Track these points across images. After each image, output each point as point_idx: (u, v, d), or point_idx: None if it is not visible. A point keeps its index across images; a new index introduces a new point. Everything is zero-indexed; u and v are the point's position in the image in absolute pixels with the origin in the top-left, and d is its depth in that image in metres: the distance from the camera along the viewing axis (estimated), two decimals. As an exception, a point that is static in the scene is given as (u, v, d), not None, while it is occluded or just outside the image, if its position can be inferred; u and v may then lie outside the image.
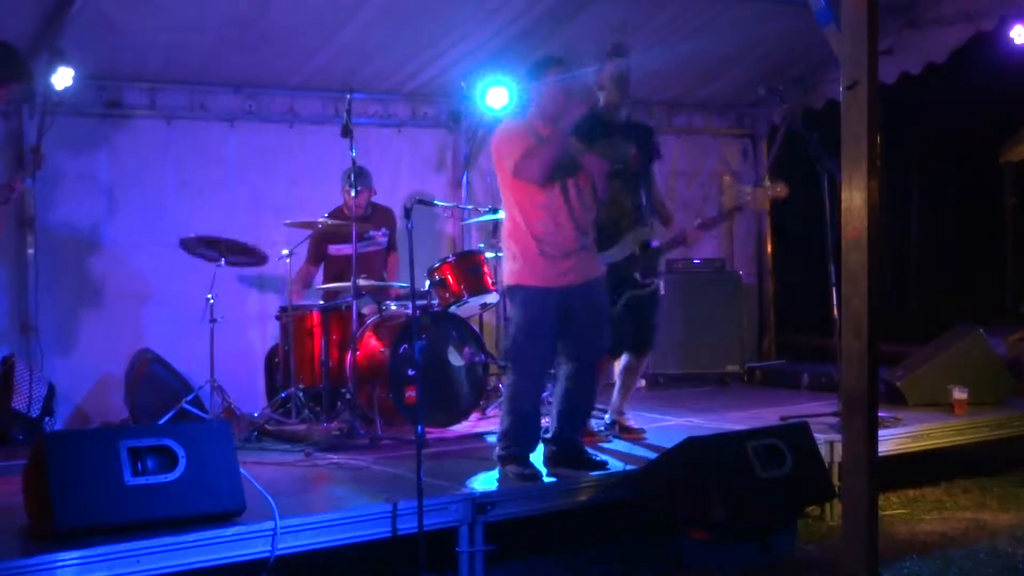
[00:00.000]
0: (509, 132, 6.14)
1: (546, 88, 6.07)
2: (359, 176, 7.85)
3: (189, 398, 7.40)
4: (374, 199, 8.24)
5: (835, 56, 5.43)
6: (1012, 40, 8.90)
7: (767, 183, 7.13)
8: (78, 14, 7.12)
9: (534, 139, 6.01)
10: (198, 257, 7.69)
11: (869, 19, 5.09)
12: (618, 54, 6.92)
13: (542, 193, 5.98)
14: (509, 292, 6.16)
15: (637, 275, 6.84)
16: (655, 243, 6.96)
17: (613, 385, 7.27)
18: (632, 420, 7.24)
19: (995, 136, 11.21)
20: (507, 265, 6.16)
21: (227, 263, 7.60)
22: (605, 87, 6.88)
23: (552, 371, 6.36)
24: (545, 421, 6.39)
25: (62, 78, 7.30)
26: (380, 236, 8.18)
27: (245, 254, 7.70)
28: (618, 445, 6.88)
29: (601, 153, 6.37)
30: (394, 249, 8.41)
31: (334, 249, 8.09)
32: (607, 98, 6.87)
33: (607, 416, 7.24)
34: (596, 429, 7.07)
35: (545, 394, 6.59)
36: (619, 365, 7.17)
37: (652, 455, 6.24)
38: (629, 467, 6.18)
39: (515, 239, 6.08)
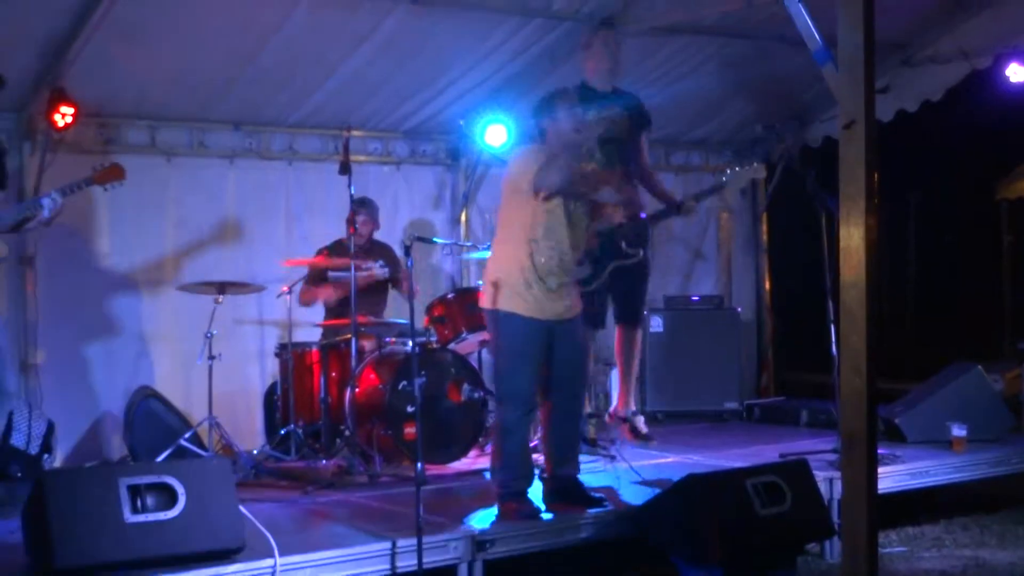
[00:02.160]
0: (525, 153, 6.16)
1: (562, 118, 6.09)
2: (366, 204, 7.94)
3: (187, 435, 7.38)
4: (374, 235, 8.27)
5: (832, 94, 5.47)
6: (1007, 78, 8.95)
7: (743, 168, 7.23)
8: (79, 53, 7.17)
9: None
10: (195, 293, 7.71)
11: (866, 59, 5.13)
12: (603, 27, 7.04)
13: (547, 215, 5.98)
14: (492, 318, 6.10)
15: (623, 244, 6.84)
16: (642, 214, 6.98)
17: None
18: (643, 423, 7.24)
19: (991, 173, 11.26)
20: (492, 286, 6.08)
21: (225, 296, 7.59)
22: (592, 61, 6.98)
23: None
24: (539, 458, 6.40)
25: (63, 116, 7.34)
26: (378, 268, 8.18)
27: (241, 287, 7.73)
28: (616, 481, 6.88)
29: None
30: (404, 278, 8.30)
31: (334, 276, 8.08)
32: (595, 72, 6.96)
33: (621, 411, 7.25)
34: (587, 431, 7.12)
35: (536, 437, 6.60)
36: (616, 345, 7.19)
37: (652, 492, 6.23)
38: (629, 504, 6.19)
39: (505, 265, 6.05)
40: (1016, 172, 11.28)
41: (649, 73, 9.01)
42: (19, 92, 7.54)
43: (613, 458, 7.48)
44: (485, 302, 6.16)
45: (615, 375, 7.37)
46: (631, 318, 7.18)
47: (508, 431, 6.07)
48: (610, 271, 6.88)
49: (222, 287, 7.54)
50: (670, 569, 5.90)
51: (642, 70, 8.98)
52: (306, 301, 8.17)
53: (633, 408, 7.28)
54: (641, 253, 6.98)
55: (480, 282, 8.16)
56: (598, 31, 7.13)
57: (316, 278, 8.15)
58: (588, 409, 7.26)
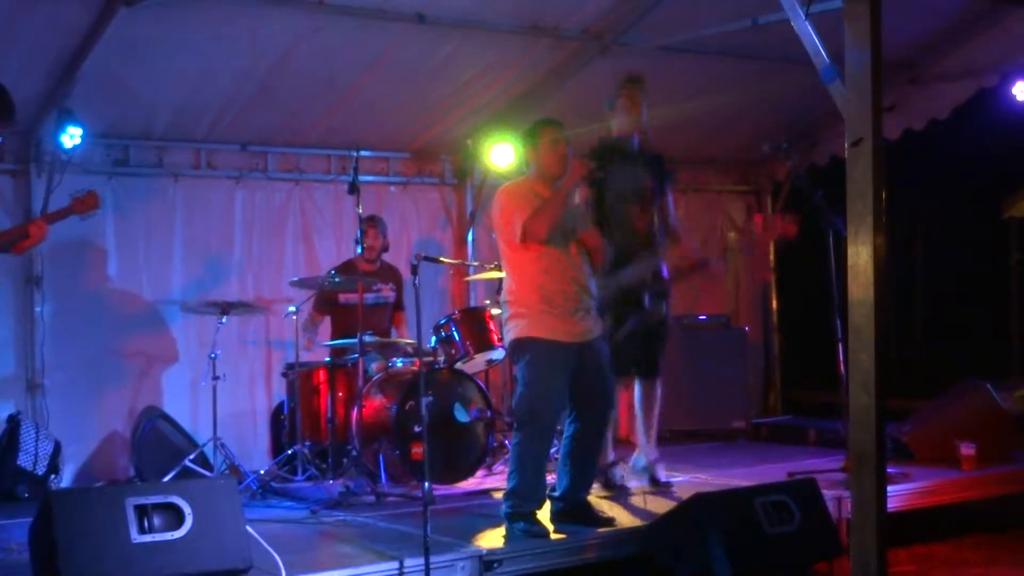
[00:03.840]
0: (511, 196, 6.18)
1: (544, 150, 6.15)
2: (375, 221, 7.97)
3: (192, 456, 7.36)
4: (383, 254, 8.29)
5: (839, 112, 5.46)
6: (1014, 96, 8.95)
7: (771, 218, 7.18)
8: (87, 74, 7.18)
9: (536, 200, 6.06)
10: (200, 314, 7.71)
11: (873, 76, 5.13)
12: (632, 82, 7.02)
13: (546, 256, 6.02)
14: (516, 347, 6.11)
15: (646, 300, 6.87)
16: (665, 273, 7.00)
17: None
18: (663, 472, 7.22)
19: (998, 192, 11.22)
20: (513, 322, 6.13)
21: (229, 316, 7.58)
22: (618, 115, 6.98)
23: (559, 428, 6.35)
24: (551, 478, 6.38)
25: (70, 137, 7.36)
26: (388, 290, 8.21)
27: (245, 307, 7.74)
28: (623, 500, 6.86)
29: (620, 182, 6.66)
30: (401, 308, 8.41)
31: (344, 298, 8.09)
32: (620, 126, 6.97)
33: (639, 460, 7.21)
34: (617, 477, 7.07)
35: (552, 450, 6.57)
36: (634, 398, 7.18)
37: (660, 511, 6.20)
38: (636, 524, 6.17)
39: (519, 299, 6.10)
40: (1023, 191, 11.24)
41: (656, 92, 8.94)
42: (27, 113, 7.56)
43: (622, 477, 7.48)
44: (510, 334, 6.14)
45: (638, 425, 7.30)
46: (650, 372, 7.16)
47: (527, 453, 6.03)
48: (631, 325, 6.90)
49: (226, 307, 7.54)
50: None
51: (649, 89, 8.96)
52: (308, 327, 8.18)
53: (654, 456, 7.24)
54: (664, 310, 6.97)
55: (487, 301, 8.22)
56: (625, 87, 7.10)
57: (323, 303, 8.14)
58: (612, 457, 7.19)
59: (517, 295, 6.13)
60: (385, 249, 8.30)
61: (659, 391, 7.22)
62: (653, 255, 6.97)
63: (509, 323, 6.18)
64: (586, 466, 6.31)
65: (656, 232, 7.03)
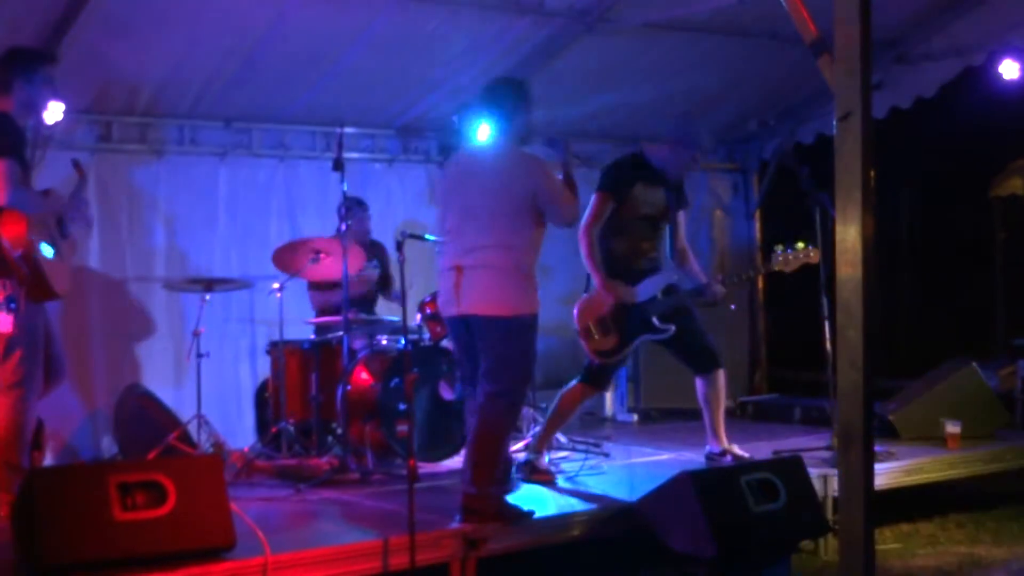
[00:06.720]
0: (553, 175, 5.91)
1: (532, 115, 6.07)
2: (364, 205, 7.92)
3: (175, 434, 7.31)
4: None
5: (825, 90, 5.44)
6: (1001, 75, 8.93)
7: (800, 248, 7.17)
8: (69, 48, 7.11)
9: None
10: (183, 291, 7.67)
11: (862, 49, 5.10)
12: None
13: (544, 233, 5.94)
14: (522, 322, 5.77)
15: (654, 320, 6.88)
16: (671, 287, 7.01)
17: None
18: (739, 449, 7.21)
19: (984, 170, 11.24)
20: (525, 295, 5.80)
21: (213, 293, 7.54)
22: (672, 155, 7.05)
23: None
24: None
25: (52, 112, 7.27)
26: (371, 267, 8.18)
27: (229, 284, 7.71)
28: (612, 477, 6.86)
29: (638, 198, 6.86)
30: (389, 283, 8.37)
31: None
32: (664, 161, 7.05)
33: (714, 448, 7.20)
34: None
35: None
36: (699, 395, 7.19)
37: (645, 489, 6.19)
38: (622, 501, 6.17)
39: (529, 271, 5.84)
40: (1009, 169, 11.27)
41: (642, 70, 8.98)
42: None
43: (607, 455, 7.50)
44: (520, 307, 5.78)
45: (705, 420, 7.29)
46: (707, 366, 7.11)
47: (507, 436, 5.93)
48: (639, 344, 7.04)
49: (209, 284, 7.49)
50: (664, 566, 5.87)
51: (635, 67, 8.95)
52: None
53: (725, 443, 7.21)
54: (672, 328, 6.94)
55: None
56: (693, 148, 7.08)
57: (313, 283, 8.10)
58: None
59: (526, 267, 5.83)
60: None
61: (722, 381, 7.15)
62: (652, 271, 7.01)
63: (523, 290, 5.81)
64: None
65: (659, 250, 7.12)
